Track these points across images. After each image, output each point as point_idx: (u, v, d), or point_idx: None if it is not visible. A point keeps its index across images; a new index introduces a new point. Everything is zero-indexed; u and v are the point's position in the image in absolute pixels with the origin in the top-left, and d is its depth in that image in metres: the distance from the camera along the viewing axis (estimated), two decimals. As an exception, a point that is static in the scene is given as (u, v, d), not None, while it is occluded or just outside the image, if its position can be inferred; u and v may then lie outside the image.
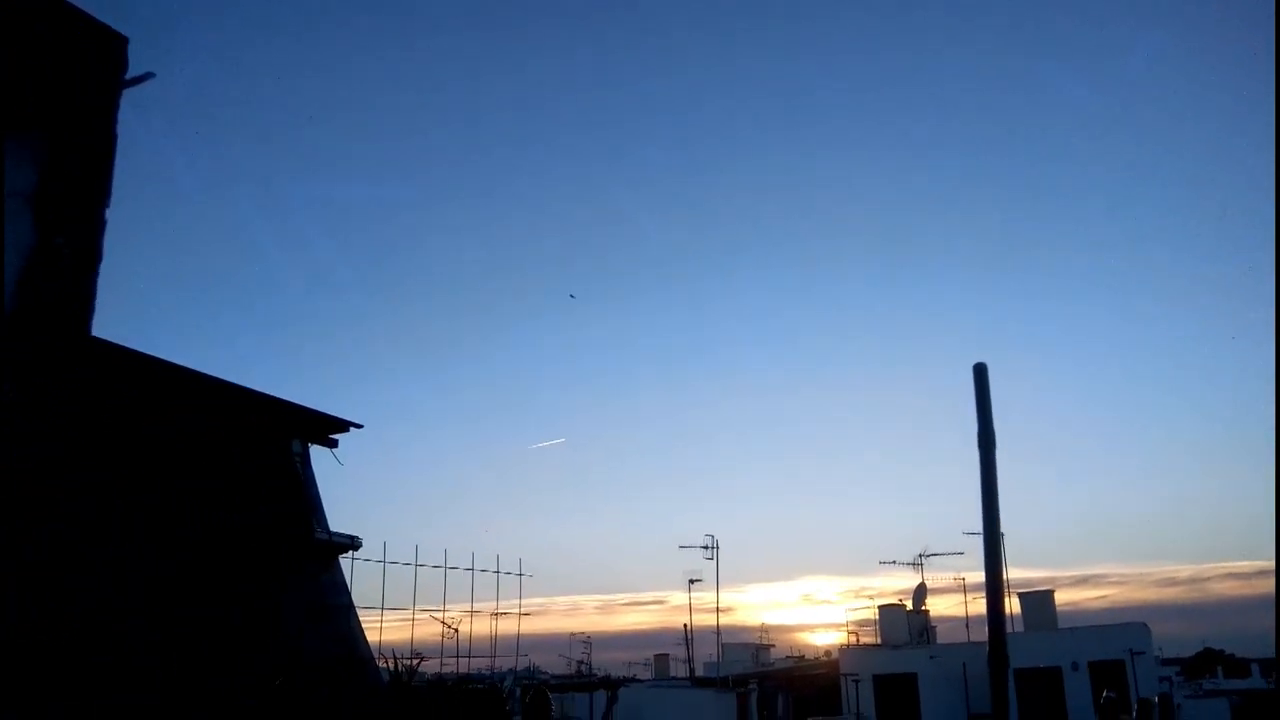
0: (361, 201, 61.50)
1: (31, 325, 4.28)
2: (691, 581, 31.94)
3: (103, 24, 4.62)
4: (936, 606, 33.08)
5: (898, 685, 28.25)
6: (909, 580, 33.28)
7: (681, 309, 69.61)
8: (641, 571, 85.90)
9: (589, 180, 65.71)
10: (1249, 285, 65.70)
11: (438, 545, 12.00)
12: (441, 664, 11.69)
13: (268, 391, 8.28)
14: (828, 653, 35.85)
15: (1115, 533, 78.64)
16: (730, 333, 70.38)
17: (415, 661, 10.25)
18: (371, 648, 9.37)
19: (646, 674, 37.30)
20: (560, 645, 37.88)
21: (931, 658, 28.16)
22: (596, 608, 60.89)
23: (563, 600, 57.92)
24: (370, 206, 62.11)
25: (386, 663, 9.59)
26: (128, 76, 3.23)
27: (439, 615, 11.40)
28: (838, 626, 37.04)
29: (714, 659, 34.75)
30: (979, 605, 34.43)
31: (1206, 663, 68.21)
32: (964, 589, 33.28)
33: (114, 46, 4.62)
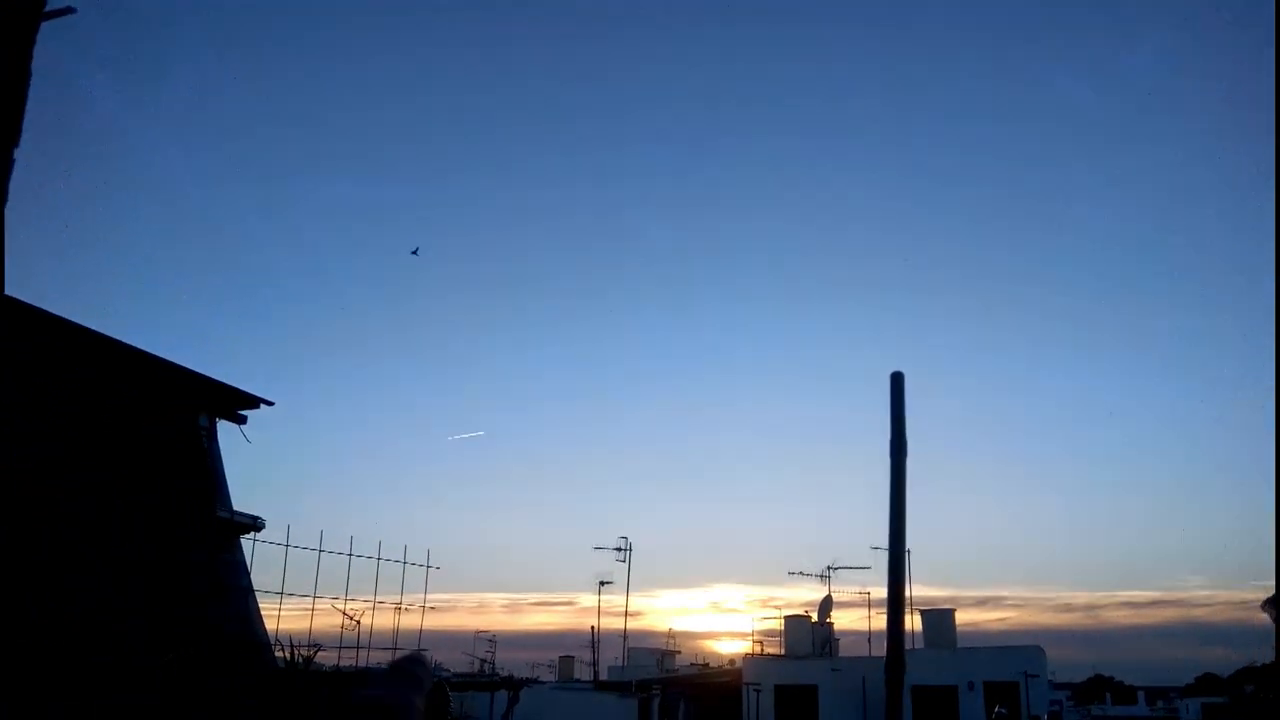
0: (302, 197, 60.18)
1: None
2: (602, 584, 31.94)
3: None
4: (841, 619, 33.52)
5: (798, 696, 28.55)
6: (817, 592, 33.67)
7: (606, 318, 69.51)
8: (552, 572, 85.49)
9: (518, 183, 65.26)
10: (1164, 311, 68.11)
11: (345, 533, 11.74)
12: (339, 656, 11.42)
13: (181, 364, 8.03)
14: (732, 661, 36.11)
15: (1018, 557, 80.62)
16: (652, 340, 70.58)
17: (311, 651, 9.99)
18: (269, 634, 9.13)
19: (551, 675, 37.09)
20: (465, 643, 37.41)
21: (833, 670, 28.52)
22: (504, 606, 60.25)
23: (470, 597, 57.27)
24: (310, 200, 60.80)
25: (282, 651, 9.32)
26: (47, 8, 3.04)
27: (340, 605, 11.15)
28: (744, 635, 37.33)
29: (619, 663, 34.74)
30: (883, 620, 34.91)
31: (1097, 689, 70.36)
32: (869, 603, 33.81)
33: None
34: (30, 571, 5.40)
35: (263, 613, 9.07)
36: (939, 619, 30.69)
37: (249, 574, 8.89)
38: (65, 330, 6.84)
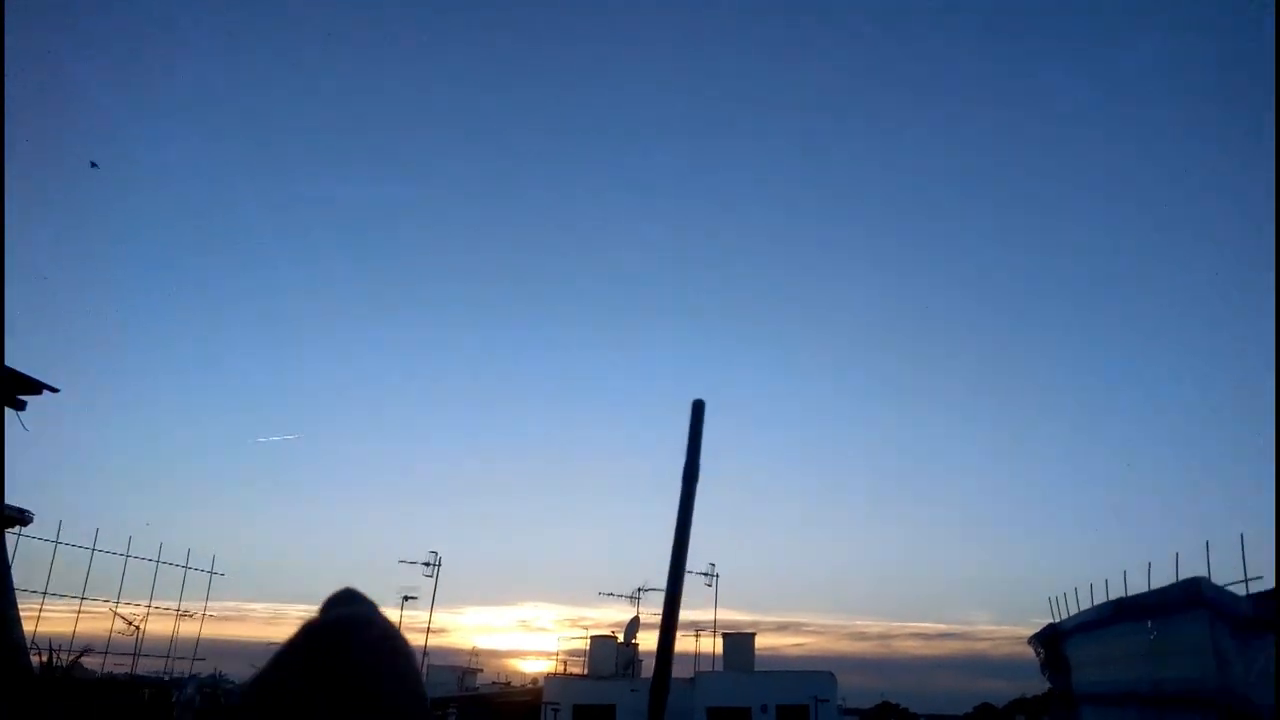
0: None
1: None
2: (406, 598, 31.08)
3: None
4: (649, 641, 33.89)
5: (596, 715, 28.58)
6: (627, 613, 33.91)
7: (420, 330, 68.12)
8: (356, 583, 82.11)
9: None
10: (971, 340, 72.27)
11: (126, 533, 11.00)
12: (104, 662, 10.67)
13: None
14: (535, 680, 35.85)
15: (819, 585, 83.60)
16: (467, 356, 69.76)
17: (75, 656, 9.31)
18: (26, 636, 8.45)
19: (345, 690, 35.76)
20: (255, 654, 35.71)
21: (633, 690, 28.70)
22: (301, 617, 57.57)
23: (264, 607, 54.75)
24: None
25: (40, 655, 8.63)
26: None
27: (114, 607, 10.43)
28: (550, 655, 37.16)
29: (419, 680, 33.86)
30: (687, 642, 35.55)
31: (884, 715, 73.54)
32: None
33: None
34: None
35: (25, 613, 8.41)
36: (739, 642, 31.40)
37: (9, 569, 8.23)
38: None
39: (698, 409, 1.32)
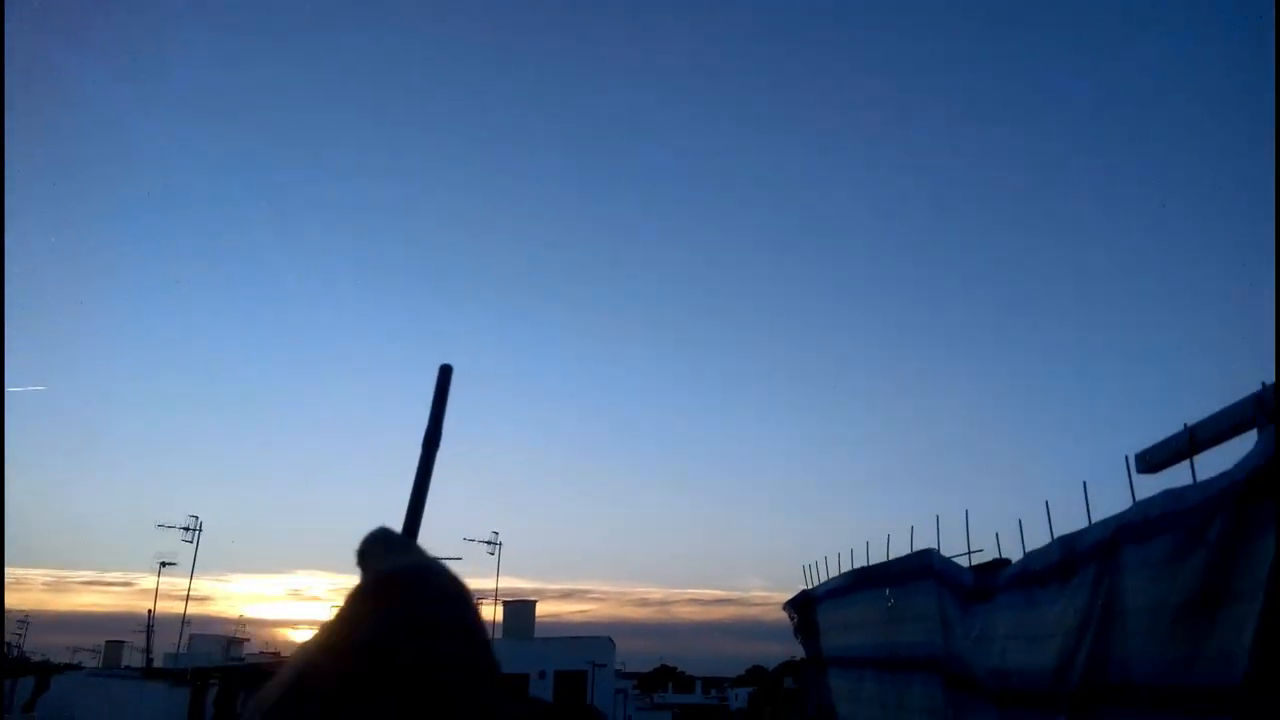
0: None
1: None
2: (164, 564, 29.23)
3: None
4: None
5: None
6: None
7: (181, 287, 64.10)
8: (108, 548, 76.98)
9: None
10: (763, 311, 74.78)
11: None
12: None
13: None
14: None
15: (602, 553, 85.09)
16: (230, 319, 66.37)
17: None
18: None
19: (96, 661, 33.42)
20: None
21: (407, 660, 28.14)
22: (46, 584, 53.27)
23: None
24: None
25: None
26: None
27: None
28: (322, 624, 35.79)
29: (179, 650, 32.04)
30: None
31: (661, 678, 75.68)
32: (455, 594, 33.75)
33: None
34: None
35: None
36: (519, 610, 31.35)
37: None
38: None
39: (444, 374, 1.09)
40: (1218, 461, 3.61)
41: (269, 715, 0.64)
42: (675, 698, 62.21)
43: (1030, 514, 5.83)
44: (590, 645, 29.99)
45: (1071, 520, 5.06)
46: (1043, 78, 60.05)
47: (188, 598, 30.12)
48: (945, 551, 7.05)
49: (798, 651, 11.52)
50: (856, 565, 8.90)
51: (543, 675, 29.04)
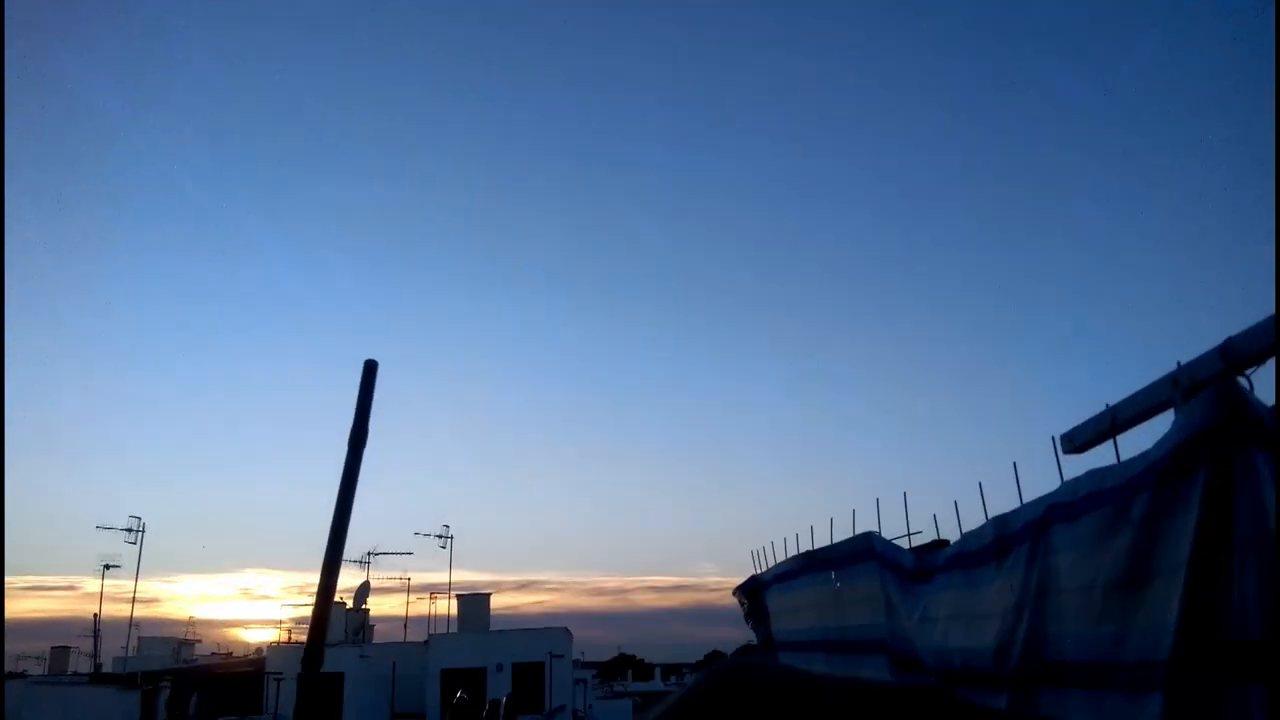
0: None
1: None
2: (107, 566, 28.67)
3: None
4: (381, 606, 33.00)
5: (323, 684, 27.54)
6: (357, 578, 32.84)
7: (112, 280, 62.83)
8: (49, 552, 75.49)
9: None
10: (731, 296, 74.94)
11: None
12: None
13: None
14: (259, 649, 34.18)
15: (557, 543, 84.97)
16: (164, 314, 65.18)
17: None
18: None
19: (41, 669, 32.74)
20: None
21: (362, 657, 27.89)
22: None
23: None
24: None
25: None
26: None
27: None
28: (275, 623, 35.49)
29: (127, 653, 31.52)
30: (421, 605, 34.99)
31: (620, 666, 75.84)
32: (408, 589, 33.62)
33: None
34: None
35: None
36: (474, 602, 31.17)
37: None
38: None
39: (369, 370, 1.03)
40: (1139, 441, 3.67)
41: None
42: (635, 685, 62.40)
43: (965, 495, 5.90)
44: (547, 636, 29.91)
45: (1005, 501, 5.12)
46: (1022, 64, 60.82)
47: (134, 600, 29.63)
48: (886, 533, 7.11)
49: (754, 636, 11.58)
50: (803, 549, 8.96)
51: (500, 668, 28.92)
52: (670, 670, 72.71)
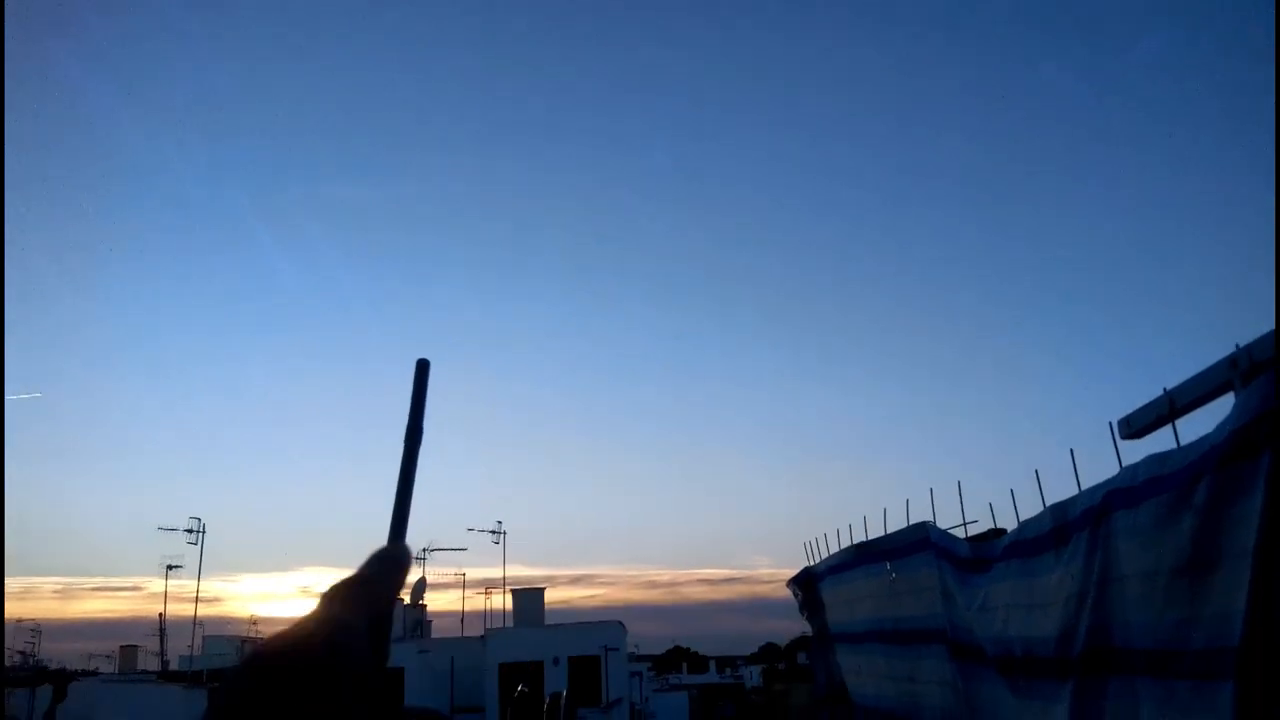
0: None
1: None
2: (171, 567, 29.32)
3: None
4: (437, 601, 33.43)
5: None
6: (414, 574, 33.21)
7: (167, 285, 63.91)
8: (115, 553, 77.48)
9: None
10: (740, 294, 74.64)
11: None
12: None
13: None
14: (320, 646, 34.63)
15: (610, 538, 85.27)
16: (219, 316, 66.21)
17: None
18: None
19: (111, 667, 33.58)
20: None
21: (421, 652, 28.28)
22: (55, 592, 53.55)
23: (13, 582, 50.65)
24: None
25: None
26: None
27: None
28: (334, 620, 35.90)
29: (192, 652, 32.23)
30: (476, 600, 35.30)
31: (674, 659, 75.97)
32: (464, 584, 33.99)
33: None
34: None
35: None
36: (529, 597, 31.45)
37: None
38: None
39: (421, 369, 1.08)
40: (1199, 425, 3.61)
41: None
42: (690, 678, 62.48)
43: (1021, 483, 5.85)
44: (602, 630, 30.09)
45: (1062, 488, 5.06)
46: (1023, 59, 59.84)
47: (197, 599, 30.28)
48: (941, 523, 7.05)
49: (808, 628, 11.55)
50: (856, 540, 8.91)
51: (556, 662, 29.16)
52: (725, 663, 72.67)
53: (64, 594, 54.36)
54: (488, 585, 32.54)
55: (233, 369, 70.34)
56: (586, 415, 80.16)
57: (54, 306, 58.50)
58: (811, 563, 10.68)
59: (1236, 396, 3.26)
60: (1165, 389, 3.81)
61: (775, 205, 72.17)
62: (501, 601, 32.36)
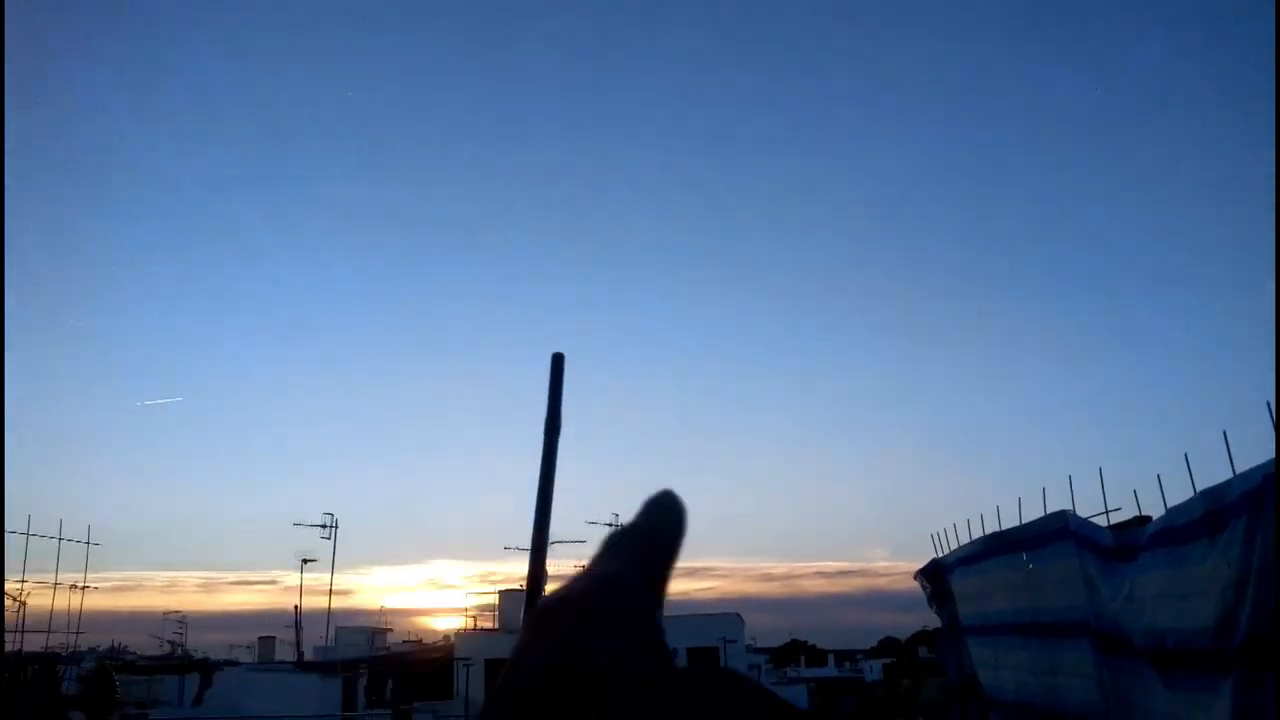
0: None
1: None
2: (305, 561, 30.50)
3: None
4: (557, 593, 33.78)
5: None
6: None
7: (299, 282, 65.93)
8: (253, 549, 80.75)
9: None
10: (847, 296, 73.56)
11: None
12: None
13: None
14: (447, 637, 35.69)
15: (725, 529, 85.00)
16: (347, 310, 67.95)
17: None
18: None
19: (250, 657, 35.14)
20: (151, 624, 34.72)
21: (544, 643, 28.73)
22: (199, 585, 56.18)
23: (159, 576, 53.30)
24: None
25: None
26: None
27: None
28: (460, 611, 36.98)
29: (326, 643, 33.48)
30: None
31: (792, 652, 75.41)
32: (584, 577, 34.33)
33: None
34: None
35: None
36: (647, 590, 31.65)
37: None
38: None
39: (557, 362, 1.20)
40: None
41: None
42: (809, 671, 61.98)
43: (1169, 468, 5.66)
44: (720, 622, 30.14)
45: (1213, 473, 4.90)
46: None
47: (330, 592, 31.43)
48: (1081, 512, 6.88)
49: (930, 621, 11.39)
50: (987, 531, 8.75)
51: (675, 653, 29.12)
52: (844, 656, 71.86)
53: (207, 587, 57.10)
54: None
55: (364, 367, 72.41)
56: (698, 407, 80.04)
57: (184, 317, 61.42)
58: (939, 554, 10.52)
59: None
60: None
61: (900, 198, 70.77)
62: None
